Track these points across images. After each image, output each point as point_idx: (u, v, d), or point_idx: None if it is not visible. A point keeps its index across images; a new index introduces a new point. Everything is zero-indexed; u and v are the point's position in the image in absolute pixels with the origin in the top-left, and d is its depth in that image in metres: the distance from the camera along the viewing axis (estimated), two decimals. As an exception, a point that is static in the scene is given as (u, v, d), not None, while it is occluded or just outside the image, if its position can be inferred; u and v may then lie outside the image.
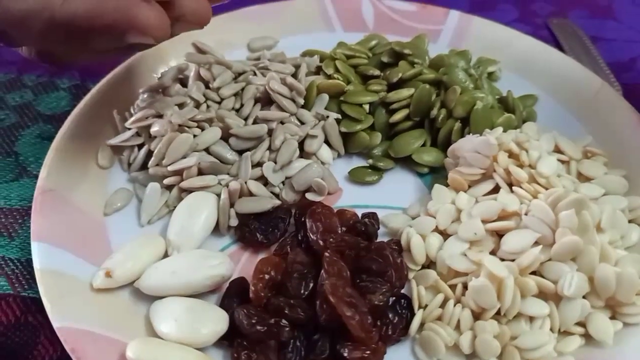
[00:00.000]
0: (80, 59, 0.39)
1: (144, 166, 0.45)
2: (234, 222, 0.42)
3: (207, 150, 0.44)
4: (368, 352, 0.35)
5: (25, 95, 0.54)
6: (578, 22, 0.63)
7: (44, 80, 0.55)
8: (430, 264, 0.40)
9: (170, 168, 0.43)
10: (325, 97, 0.48)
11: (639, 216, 0.42)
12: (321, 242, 0.38)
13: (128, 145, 0.45)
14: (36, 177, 0.43)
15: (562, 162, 0.44)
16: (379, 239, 0.42)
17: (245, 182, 0.43)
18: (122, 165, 0.46)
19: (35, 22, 0.33)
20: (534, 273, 0.38)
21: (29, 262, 0.41)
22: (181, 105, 0.46)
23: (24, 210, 0.45)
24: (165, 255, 0.40)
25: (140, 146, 0.45)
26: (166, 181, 0.43)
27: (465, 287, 0.38)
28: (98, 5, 0.32)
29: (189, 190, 0.43)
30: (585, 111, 0.50)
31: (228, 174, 0.44)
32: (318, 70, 0.51)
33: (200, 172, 0.43)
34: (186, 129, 0.44)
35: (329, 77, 0.49)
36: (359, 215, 0.43)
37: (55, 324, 0.35)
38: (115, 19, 0.32)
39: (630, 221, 0.42)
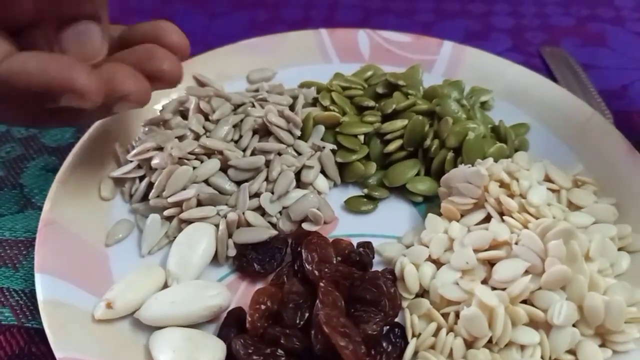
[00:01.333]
0: (12, 119, 0.40)
1: (144, 197, 0.46)
2: (232, 252, 0.43)
3: (206, 181, 0.46)
4: (362, 381, 0.35)
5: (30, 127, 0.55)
6: (571, 50, 0.65)
7: (49, 112, 0.57)
8: (423, 292, 0.41)
9: (170, 200, 0.44)
10: (322, 128, 0.49)
11: (629, 244, 0.43)
12: (316, 272, 0.39)
13: (129, 177, 0.47)
14: (41, 208, 0.44)
15: (553, 191, 0.45)
16: (375, 267, 0.43)
17: (243, 213, 0.44)
18: (123, 197, 0.47)
19: None
20: (524, 302, 0.38)
21: (32, 293, 0.42)
22: (181, 138, 0.48)
23: (28, 242, 0.46)
24: (165, 285, 0.41)
25: (141, 178, 0.47)
26: (166, 213, 0.44)
27: (457, 315, 0.38)
28: (40, 67, 0.34)
29: (188, 221, 0.44)
30: (576, 139, 0.51)
31: (226, 204, 0.45)
32: (315, 102, 0.53)
33: (200, 203, 0.45)
34: (186, 161, 0.45)
35: (325, 108, 0.51)
36: (355, 244, 0.44)
37: (58, 355, 0.36)
38: (58, 79, 0.34)
39: (620, 249, 0.43)
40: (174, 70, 0.39)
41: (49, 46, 0.36)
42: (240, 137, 0.49)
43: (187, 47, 0.40)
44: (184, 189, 0.44)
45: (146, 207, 0.45)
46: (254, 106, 0.51)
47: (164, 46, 0.39)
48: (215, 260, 0.43)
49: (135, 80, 0.37)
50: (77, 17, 0.35)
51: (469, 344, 0.38)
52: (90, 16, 0.35)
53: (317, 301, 0.37)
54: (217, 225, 0.43)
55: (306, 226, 0.45)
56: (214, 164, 0.46)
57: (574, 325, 0.37)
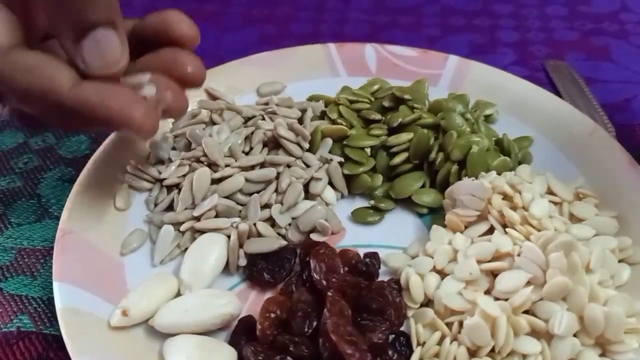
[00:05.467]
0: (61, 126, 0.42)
1: (168, 208, 0.48)
2: (243, 262, 0.45)
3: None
4: (368, 388, 0.36)
5: (48, 139, 0.57)
6: (574, 63, 0.66)
7: (65, 124, 0.58)
8: (428, 302, 0.42)
9: (195, 213, 0.45)
10: (329, 141, 0.51)
11: (630, 256, 0.44)
12: (324, 282, 0.41)
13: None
14: (58, 218, 0.45)
15: (555, 203, 0.46)
16: (381, 277, 0.44)
17: (255, 224, 0.45)
18: (147, 206, 0.48)
19: (39, 100, 0.35)
20: (526, 312, 0.39)
21: (50, 301, 0.43)
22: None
23: (45, 251, 0.47)
24: (178, 294, 0.42)
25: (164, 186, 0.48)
26: (182, 227, 0.45)
27: (461, 325, 0.39)
28: (102, 100, 0.35)
29: (201, 232, 0.45)
30: (579, 152, 0.52)
31: (239, 216, 0.47)
32: (323, 115, 0.54)
33: (216, 215, 0.46)
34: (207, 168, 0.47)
35: (333, 122, 0.52)
36: (361, 255, 0.45)
37: (75, 361, 0.37)
38: (118, 115, 0.36)
39: (620, 261, 0.44)
40: (197, 72, 0.41)
41: (71, 59, 0.36)
42: (251, 149, 0.50)
43: (197, 35, 0.40)
44: (203, 199, 0.46)
45: (161, 218, 0.47)
46: (263, 119, 0.52)
47: (174, 37, 0.40)
48: (227, 269, 0.45)
49: (174, 92, 0.40)
50: (93, 26, 0.34)
51: (472, 353, 0.39)
52: (106, 23, 0.34)
53: (325, 310, 0.38)
54: (228, 236, 0.45)
55: (314, 237, 0.46)
56: (238, 180, 0.46)
57: (574, 336, 0.38)
